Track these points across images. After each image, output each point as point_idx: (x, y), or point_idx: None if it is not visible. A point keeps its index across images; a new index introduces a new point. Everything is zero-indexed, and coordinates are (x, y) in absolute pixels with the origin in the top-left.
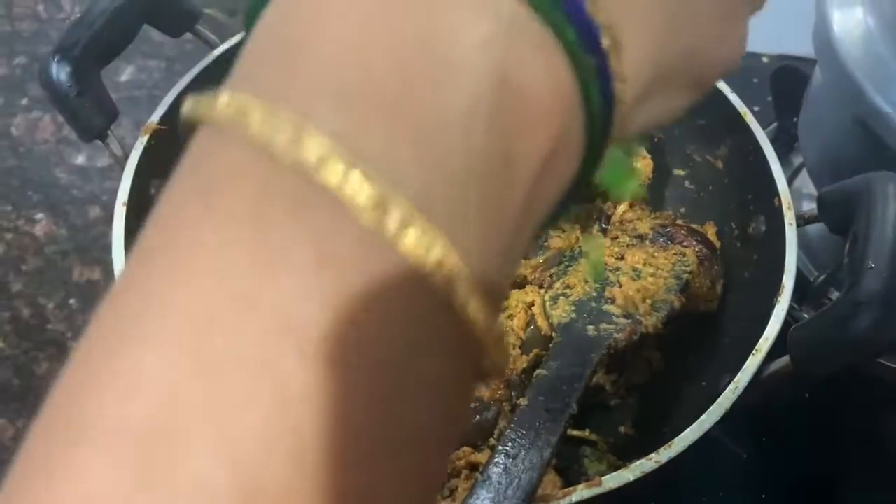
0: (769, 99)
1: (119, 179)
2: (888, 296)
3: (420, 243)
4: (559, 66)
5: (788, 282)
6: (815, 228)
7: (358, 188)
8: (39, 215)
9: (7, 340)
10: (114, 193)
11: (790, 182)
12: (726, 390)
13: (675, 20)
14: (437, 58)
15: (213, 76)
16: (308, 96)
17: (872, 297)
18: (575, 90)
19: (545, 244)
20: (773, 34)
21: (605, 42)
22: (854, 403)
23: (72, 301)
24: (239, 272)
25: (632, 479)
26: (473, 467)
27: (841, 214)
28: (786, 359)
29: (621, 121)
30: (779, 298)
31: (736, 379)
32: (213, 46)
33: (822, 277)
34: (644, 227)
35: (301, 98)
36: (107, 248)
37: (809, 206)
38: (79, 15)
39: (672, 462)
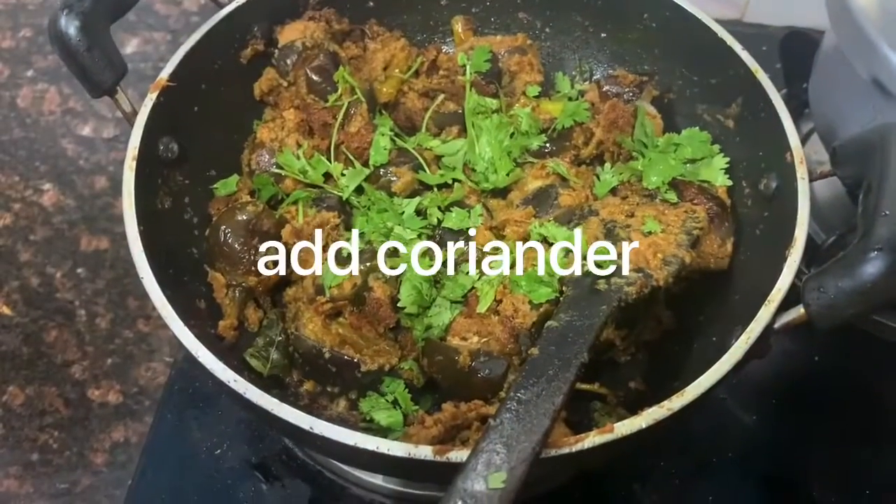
0: (778, 66)
1: (125, 150)
2: None
3: None
4: None
5: (801, 234)
6: (825, 193)
7: None
8: (47, 185)
9: (16, 309)
10: (120, 164)
11: None
12: (739, 340)
13: None
14: None
15: (222, 34)
16: None
17: (886, 243)
18: None
19: (556, 202)
20: (780, 7)
21: None
22: (862, 369)
23: (79, 270)
24: None
25: (644, 426)
26: (484, 419)
27: (854, 166)
28: (798, 309)
29: None
30: (791, 250)
31: (749, 329)
32: (220, 5)
33: (830, 240)
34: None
35: None
36: (114, 218)
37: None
38: None
39: (684, 412)
